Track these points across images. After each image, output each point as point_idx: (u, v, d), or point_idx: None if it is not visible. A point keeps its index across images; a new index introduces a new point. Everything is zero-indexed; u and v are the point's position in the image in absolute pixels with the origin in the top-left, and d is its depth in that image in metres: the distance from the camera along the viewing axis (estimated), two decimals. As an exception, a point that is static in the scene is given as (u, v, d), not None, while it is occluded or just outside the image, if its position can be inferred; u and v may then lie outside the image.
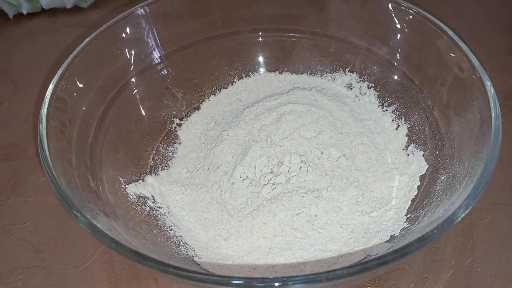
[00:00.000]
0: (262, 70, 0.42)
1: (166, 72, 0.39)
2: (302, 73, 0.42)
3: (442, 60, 0.31)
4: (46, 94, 0.28)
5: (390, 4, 0.34)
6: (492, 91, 0.26)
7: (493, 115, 0.24)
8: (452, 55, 0.30)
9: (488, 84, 0.26)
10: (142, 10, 0.36)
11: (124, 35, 0.35)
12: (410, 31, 0.34)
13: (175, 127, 0.39)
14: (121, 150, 0.33)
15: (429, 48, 0.32)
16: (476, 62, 0.28)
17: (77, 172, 0.27)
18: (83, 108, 0.31)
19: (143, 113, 0.37)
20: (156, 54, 0.37)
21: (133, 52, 0.36)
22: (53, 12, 0.58)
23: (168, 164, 0.36)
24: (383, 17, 0.35)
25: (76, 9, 0.58)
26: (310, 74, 0.41)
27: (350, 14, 0.37)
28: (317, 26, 0.40)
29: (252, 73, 0.42)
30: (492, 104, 0.25)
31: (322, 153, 0.32)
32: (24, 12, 0.56)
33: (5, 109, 0.45)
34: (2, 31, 0.56)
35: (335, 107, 0.36)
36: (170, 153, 0.37)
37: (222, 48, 0.41)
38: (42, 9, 0.57)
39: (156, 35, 0.37)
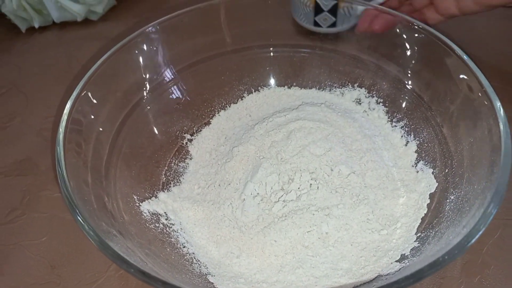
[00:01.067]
0: (271, 84, 0.43)
1: (177, 89, 0.39)
2: (311, 88, 0.42)
3: (451, 78, 0.31)
4: (62, 117, 0.29)
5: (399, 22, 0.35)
6: (502, 114, 0.26)
7: (503, 139, 0.24)
8: (462, 74, 0.30)
9: (498, 105, 0.27)
10: (153, 28, 0.36)
11: (136, 53, 0.35)
12: (419, 48, 0.35)
13: (186, 143, 0.39)
14: (134, 167, 0.34)
15: (439, 66, 0.33)
16: (486, 83, 0.28)
17: (93, 193, 0.28)
18: (98, 128, 0.31)
19: (155, 129, 0.37)
20: (167, 71, 0.38)
21: (145, 69, 0.36)
22: (63, 25, 0.59)
23: (180, 180, 0.37)
24: (392, 34, 0.36)
25: (86, 21, 0.59)
26: (319, 89, 0.42)
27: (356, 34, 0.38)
28: (327, 41, 0.40)
29: (261, 87, 0.43)
30: (502, 127, 0.25)
31: (332, 170, 0.33)
32: (36, 26, 0.57)
33: (17, 123, 0.46)
34: (14, 44, 0.56)
35: (345, 124, 0.36)
36: (181, 169, 0.38)
37: (232, 64, 0.41)
38: (53, 22, 0.58)
39: (167, 52, 0.38)
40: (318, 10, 0.41)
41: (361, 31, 0.40)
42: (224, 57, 0.41)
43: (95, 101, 0.31)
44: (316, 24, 0.42)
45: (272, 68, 0.42)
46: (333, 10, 0.40)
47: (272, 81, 0.43)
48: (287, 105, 0.41)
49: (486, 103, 0.28)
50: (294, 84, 0.43)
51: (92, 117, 0.31)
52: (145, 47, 0.36)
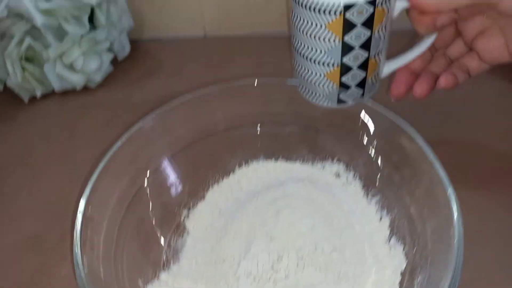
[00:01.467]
0: (259, 157, 0.47)
1: (174, 170, 0.43)
2: (295, 161, 0.47)
3: (415, 168, 0.36)
4: (77, 218, 0.32)
5: (362, 111, 0.40)
6: (455, 210, 0.30)
7: (456, 237, 0.29)
8: (423, 163, 0.35)
9: (454, 203, 0.31)
10: (151, 122, 0.41)
11: (136, 146, 0.39)
12: (386, 134, 0.39)
13: (184, 218, 0.43)
14: (138, 251, 0.38)
15: (403, 152, 0.37)
16: (443, 176, 0.33)
17: (105, 284, 0.31)
18: (106, 220, 0.35)
19: (156, 211, 0.41)
20: (164, 157, 0.42)
21: (145, 159, 0.41)
22: (63, 93, 0.63)
23: (178, 257, 0.40)
24: (364, 121, 0.41)
25: (85, 89, 0.63)
26: (302, 162, 0.46)
27: (335, 116, 0.43)
28: (309, 121, 0.45)
29: (251, 160, 0.47)
30: (456, 225, 0.30)
31: (316, 248, 0.37)
32: (38, 95, 0.61)
33: (25, 198, 0.49)
34: (18, 115, 0.60)
35: (326, 201, 0.41)
36: (180, 246, 0.41)
37: (223, 142, 0.46)
38: (53, 90, 0.62)
39: (163, 140, 0.42)
40: (343, 88, 0.39)
41: (398, 99, 0.40)
42: (216, 136, 0.45)
43: (103, 197, 0.35)
44: (340, 101, 0.40)
45: (260, 143, 0.47)
46: (362, 83, 0.39)
47: (260, 155, 0.47)
48: (274, 179, 0.45)
49: (443, 194, 0.32)
50: (280, 157, 0.47)
51: (102, 211, 0.35)
52: (143, 140, 0.40)
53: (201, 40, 0.73)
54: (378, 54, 0.38)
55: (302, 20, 0.36)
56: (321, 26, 0.34)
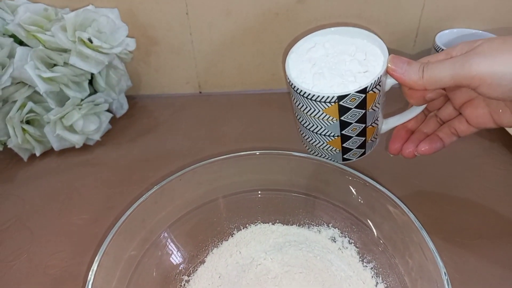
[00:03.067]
0: (257, 221, 0.49)
1: (174, 240, 0.44)
2: (292, 225, 0.48)
3: (407, 240, 0.38)
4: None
5: (354, 185, 0.44)
6: (446, 284, 0.32)
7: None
8: (416, 239, 0.37)
9: (443, 272, 0.33)
10: (153, 195, 0.42)
11: (137, 220, 0.41)
12: (379, 207, 0.42)
13: (184, 284, 0.44)
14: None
15: (395, 224, 0.40)
16: (432, 248, 0.35)
17: None
18: (112, 294, 0.36)
19: (157, 280, 0.42)
20: (164, 227, 0.44)
21: (145, 231, 0.42)
22: (62, 151, 0.64)
23: (181, 324, 0.41)
24: (356, 193, 0.43)
25: (83, 147, 0.65)
26: (298, 226, 0.48)
27: (331, 187, 0.45)
28: (304, 188, 0.47)
29: (249, 225, 0.49)
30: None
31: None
32: (37, 154, 0.62)
33: (24, 262, 0.49)
34: (17, 173, 0.61)
35: (323, 268, 0.42)
36: (181, 312, 0.42)
37: (222, 207, 0.47)
38: (52, 148, 0.63)
39: (163, 211, 0.44)
40: (346, 151, 0.42)
41: (394, 154, 0.43)
42: (215, 203, 0.47)
43: (108, 272, 0.36)
44: (344, 159, 0.44)
45: (258, 208, 0.49)
46: (362, 145, 0.42)
47: (258, 218, 0.49)
48: (271, 241, 0.47)
49: (435, 269, 0.34)
50: (278, 221, 0.49)
51: (108, 284, 0.36)
52: (142, 215, 0.42)
53: (196, 97, 0.76)
54: (374, 122, 0.41)
55: (301, 104, 0.38)
56: (319, 110, 0.37)
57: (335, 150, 0.42)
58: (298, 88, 0.38)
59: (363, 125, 0.40)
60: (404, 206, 0.39)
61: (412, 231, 0.38)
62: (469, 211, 0.52)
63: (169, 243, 0.44)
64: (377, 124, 0.42)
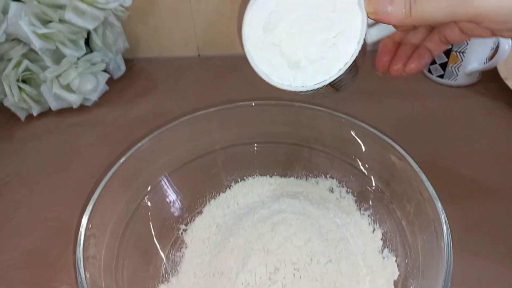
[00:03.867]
0: (255, 174, 0.49)
1: (172, 187, 0.44)
2: (289, 177, 0.48)
3: (405, 183, 0.38)
4: (79, 235, 0.33)
5: (353, 132, 0.42)
6: (443, 221, 0.32)
7: (445, 245, 0.31)
8: (413, 182, 0.37)
9: (443, 217, 0.33)
10: (149, 142, 0.42)
11: (136, 166, 0.41)
12: (376, 152, 0.41)
13: (182, 232, 0.44)
14: (137, 264, 0.39)
15: (394, 171, 0.39)
16: (431, 191, 0.35)
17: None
18: (107, 237, 0.36)
19: (154, 226, 0.42)
20: (162, 175, 0.43)
21: (143, 177, 0.42)
22: (60, 111, 0.64)
23: (177, 270, 0.41)
24: (351, 138, 0.43)
25: (80, 107, 0.64)
26: (296, 178, 0.48)
27: (327, 132, 0.45)
28: (302, 140, 0.47)
29: (246, 177, 0.49)
30: (445, 234, 0.31)
31: (311, 260, 0.38)
32: (35, 114, 0.62)
33: (23, 214, 0.50)
34: (15, 133, 0.61)
35: (320, 215, 0.42)
36: (178, 258, 0.42)
37: (220, 159, 0.47)
38: (50, 108, 0.63)
39: (162, 159, 0.43)
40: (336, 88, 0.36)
41: (382, 70, 0.39)
42: (213, 154, 0.47)
43: (104, 215, 0.36)
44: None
45: (256, 160, 0.48)
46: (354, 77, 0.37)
47: (255, 171, 0.49)
48: (269, 194, 0.47)
49: (432, 208, 0.34)
50: (275, 173, 0.49)
51: (103, 227, 0.36)
52: (140, 160, 0.41)
53: (194, 59, 0.75)
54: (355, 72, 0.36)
55: None
56: (307, 93, 0.33)
57: (327, 91, 0.35)
58: (277, 85, 0.33)
59: (354, 72, 0.35)
60: (402, 151, 0.38)
61: (410, 176, 0.37)
62: (468, 166, 0.52)
63: (166, 190, 0.44)
64: (357, 67, 0.35)
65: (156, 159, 0.43)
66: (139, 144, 0.41)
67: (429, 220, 0.34)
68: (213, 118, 0.45)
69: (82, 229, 0.34)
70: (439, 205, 0.33)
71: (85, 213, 0.35)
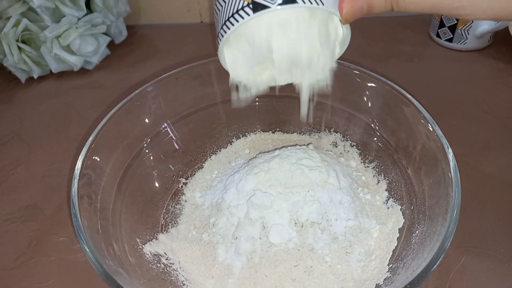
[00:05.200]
0: (257, 130, 0.47)
1: (173, 138, 0.43)
2: (292, 133, 0.47)
3: (411, 128, 0.36)
4: (75, 173, 0.32)
5: (358, 78, 0.40)
6: (451, 158, 0.31)
7: (453, 182, 0.29)
8: (419, 124, 0.35)
9: (450, 153, 0.32)
10: (151, 87, 0.41)
11: (136, 110, 0.40)
12: (382, 100, 0.40)
13: (182, 186, 0.43)
14: (136, 212, 0.38)
15: (401, 116, 0.38)
16: (439, 132, 0.33)
17: (103, 240, 0.31)
18: (104, 179, 0.35)
19: (154, 176, 0.41)
20: (164, 124, 0.42)
21: (144, 124, 0.41)
22: (60, 74, 0.63)
23: (177, 221, 0.40)
24: (357, 86, 0.41)
25: (82, 71, 0.63)
26: (299, 133, 0.47)
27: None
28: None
29: (248, 133, 0.47)
30: (453, 172, 0.30)
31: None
32: (35, 76, 0.61)
33: (21, 171, 0.49)
34: (15, 95, 0.60)
35: (324, 163, 0.41)
36: (178, 211, 0.41)
37: (221, 113, 0.46)
38: (51, 71, 0.62)
39: (163, 108, 0.42)
40: None
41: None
42: (214, 108, 0.45)
43: (101, 155, 0.35)
44: None
45: (257, 116, 0.47)
46: None
47: (257, 127, 0.47)
48: (271, 148, 0.46)
49: (440, 150, 0.33)
50: (278, 129, 0.47)
51: (100, 170, 0.35)
52: (143, 105, 0.40)
53: (197, 26, 0.74)
54: None
55: None
56: None
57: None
58: None
59: None
60: (408, 95, 0.37)
61: (416, 120, 0.36)
62: (477, 125, 0.50)
63: (167, 141, 0.43)
64: None
65: (154, 109, 0.42)
66: (138, 91, 0.40)
67: (436, 162, 0.33)
68: (212, 68, 0.43)
69: (78, 166, 0.33)
70: (444, 141, 0.32)
71: (82, 152, 0.34)
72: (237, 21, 0.27)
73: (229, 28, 0.27)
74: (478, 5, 0.26)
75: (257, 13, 0.26)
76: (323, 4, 0.26)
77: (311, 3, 0.26)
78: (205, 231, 0.38)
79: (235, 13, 0.27)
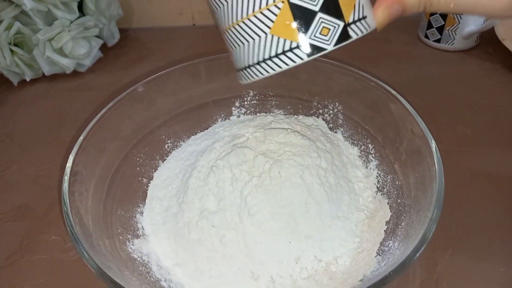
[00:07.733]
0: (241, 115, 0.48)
1: (163, 135, 0.44)
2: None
3: (397, 124, 0.37)
4: (66, 170, 0.33)
5: (346, 76, 0.41)
6: (435, 150, 0.32)
7: (437, 173, 0.30)
8: (405, 120, 0.36)
9: (434, 146, 0.32)
10: (142, 88, 0.41)
11: (127, 110, 0.40)
12: (369, 97, 0.40)
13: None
14: (126, 210, 0.38)
15: (387, 113, 0.39)
16: (423, 127, 0.34)
17: (94, 236, 0.32)
18: (96, 177, 0.35)
19: (144, 174, 0.42)
20: (155, 123, 0.43)
21: (135, 123, 0.41)
22: (53, 77, 0.63)
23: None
24: (344, 84, 0.42)
25: (74, 73, 0.64)
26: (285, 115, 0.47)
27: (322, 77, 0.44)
28: (290, 92, 0.46)
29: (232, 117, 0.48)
30: (437, 166, 0.31)
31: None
32: (28, 79, 0.61)
33: (14, 172, 0.49)
34: (7, 97, 0.61)
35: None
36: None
37: (208, 108, 0.47)
38: (43, 74, 0.63)
39: (154, 107, 0.43)
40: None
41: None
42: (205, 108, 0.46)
43: (93, 153, 0.36)
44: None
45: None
46: None
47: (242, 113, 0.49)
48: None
49: (424, 143, 0.33)
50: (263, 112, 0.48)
51: (90, 167, 0.35)
52: (134, 104, 0.41)
53: (189, 29, 0.75)
54: None
55: None
56: None
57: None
58: None
59: None
60: (394, 92, 0.38)
61: (403, 116, 0.37)
62: (465, 123, 0.51)
63: (157, 139, 0.43)
64: None
65: (145, 109, 0.42)
66: (127, 91, 0.40)
67: (420, 155, 0.34)
68: (203, 68, 0.44)
69: (69, 163, 0.33)
70: (428, 134, 0.33)
71: (73, 149, 0.35)
72: (287, 64, 0.24)
73: (274, 70, 0.25)
74: None
75: (313, 57, 0.24)
76: (370, 27, 0.25)
77: (362, 32, 0.25)
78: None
79: (280, 53, 0.24)
